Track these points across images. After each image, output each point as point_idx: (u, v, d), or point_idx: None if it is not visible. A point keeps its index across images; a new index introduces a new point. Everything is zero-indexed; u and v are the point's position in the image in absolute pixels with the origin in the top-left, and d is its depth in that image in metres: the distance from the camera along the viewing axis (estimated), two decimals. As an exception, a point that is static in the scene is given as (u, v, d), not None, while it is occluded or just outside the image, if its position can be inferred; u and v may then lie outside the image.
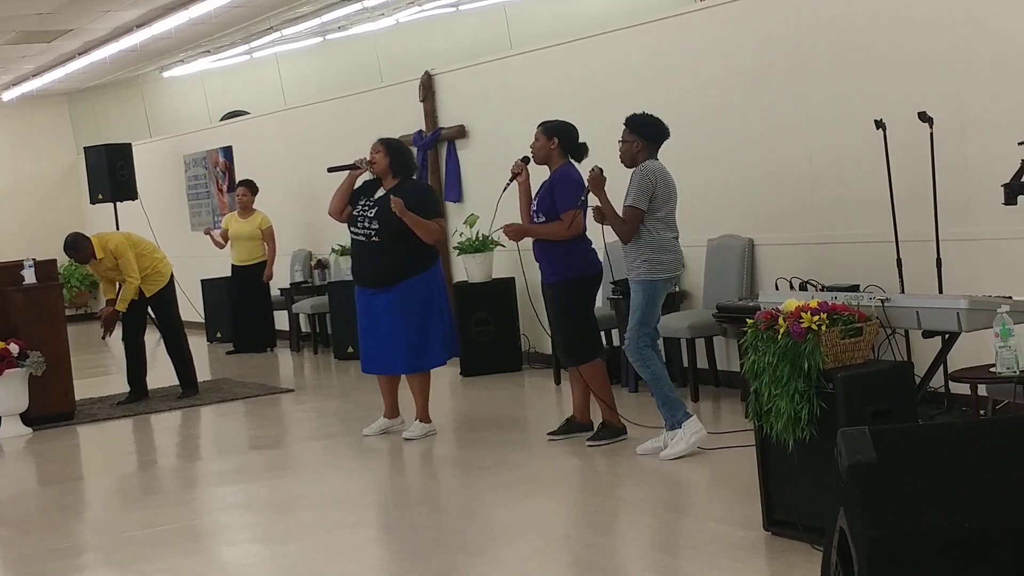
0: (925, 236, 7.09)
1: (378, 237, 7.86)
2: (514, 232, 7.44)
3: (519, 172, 7.50)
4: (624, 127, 6.98)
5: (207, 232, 13.81)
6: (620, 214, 6.87)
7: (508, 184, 7.55)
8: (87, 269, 10.55)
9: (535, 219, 7.40)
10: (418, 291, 7.90)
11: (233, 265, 13.42)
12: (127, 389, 10.64)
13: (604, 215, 6.93)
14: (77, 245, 10.20)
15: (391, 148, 8.02)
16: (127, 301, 10.23)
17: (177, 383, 10.73)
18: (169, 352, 10.70)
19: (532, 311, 10.37)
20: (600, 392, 7.40)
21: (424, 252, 7.93)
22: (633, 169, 6.92)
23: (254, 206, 13.31)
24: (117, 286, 10.38)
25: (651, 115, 7.00)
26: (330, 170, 8.25)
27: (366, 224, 7.90)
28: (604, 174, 6.97)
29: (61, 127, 19.68)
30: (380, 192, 7.97)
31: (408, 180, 8.03)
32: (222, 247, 13.52)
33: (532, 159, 7.51)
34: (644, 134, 6.93)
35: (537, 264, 7.53)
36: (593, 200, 7.05)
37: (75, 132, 19.61)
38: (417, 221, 7.79)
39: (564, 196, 7.23)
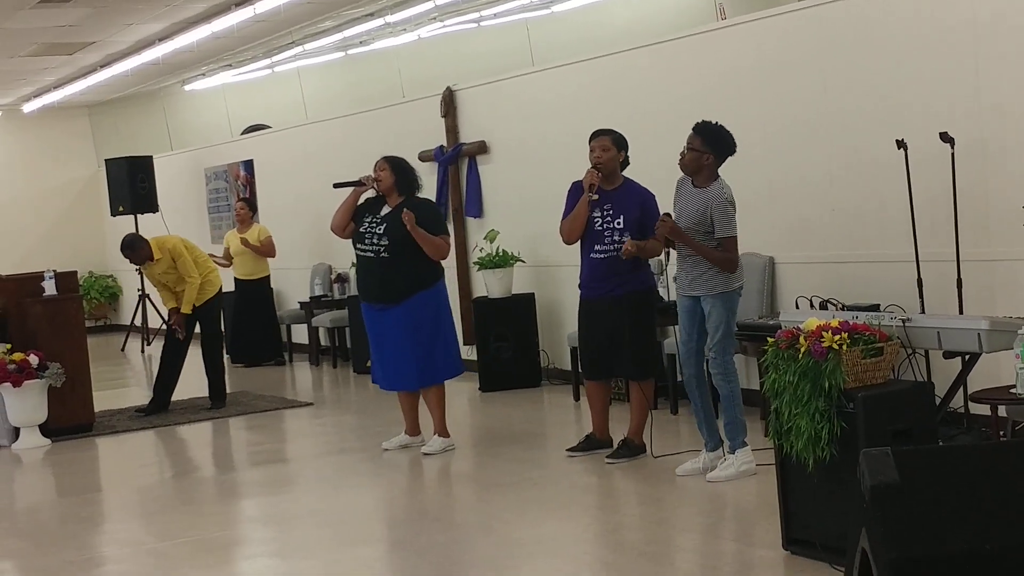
0: (945, 256, 7.07)
1: (387, 253, 7.91)
2: (631, 252, 7.11)
3: (595, 183, 7.24)
4: (696, 135, 6.72)
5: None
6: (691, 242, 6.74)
7: (592, 196, 7.25)
8: (145, 270, 10.56)
9: (618, 236, 7.20)
10: (426, 306, 7.98)
11: (235, 279, 13.48)
12: (147, 399, 10.66)
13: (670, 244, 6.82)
14: (135, 245, 10.31)
15: (396, 166, 8.09)
16: (191, 303, 10.31)
17: (198, 395, 10.74)
18: (205, 362, 10.69)
19: (552, 327, 10.41)
20: (644, 410, 7.39)
21: (431, 268, 8.01)
22: (699, 188, 6.73)
23: (255, 221, 13.37)
24: (173, 295, 10.43)
25: (723, 127, 6.78)
26: (336, 186, 8.33)
27: (375, 240, 7.97)
28: (672, 219, 6.76)
29: (82, 139, 19.75)
30: (386, 209, 8.01)
31: (412, 197, 8.08)
32: (227, 265, 13.54)
33: (599, 168, 7.27)
34: (716, 148, 6.72)
35: (589, 281, 7.39)
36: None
37: (96, 144, 19.68)
38: (426, 238, 7.85)
39: (654, 220, 7.09)
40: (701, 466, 6.90)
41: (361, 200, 8.17)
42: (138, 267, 10.59)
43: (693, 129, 6.77)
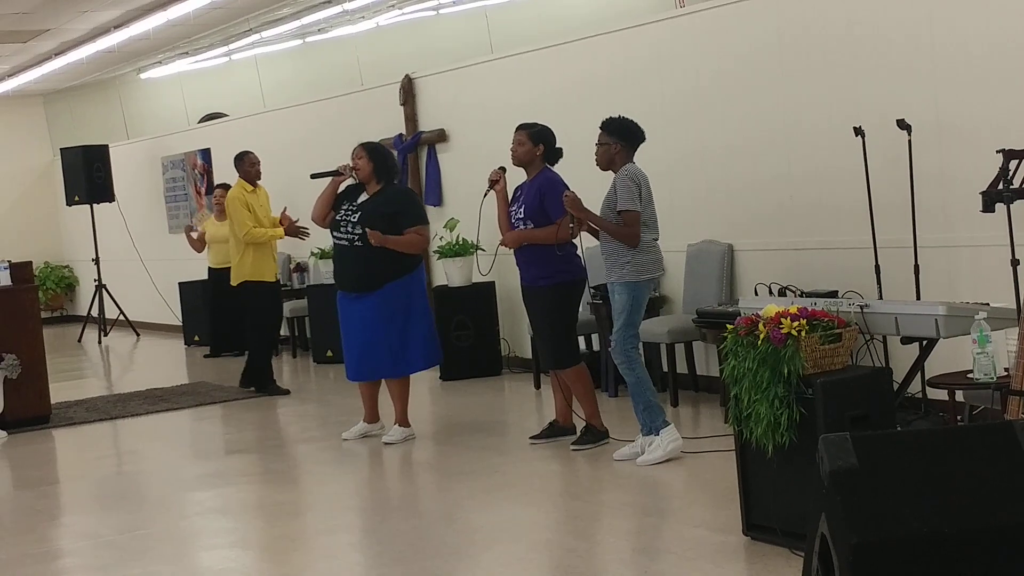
0: (903, 243, 7.12)
1: (361, 242, 7.86)
2: (512, 240, 7.42)
3: (497, 180, 7.53)
4: (601, 130, 7.01)
5: (187, 231, 13.75)
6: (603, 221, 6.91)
7: (487, 192, 7.57)
8: (242, 193, 10.37)
9: (522, 225, 7.41)
10: (399, 295, 7.91)
11: (209, 268, 13.38)
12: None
13: (580, 224, 7.01)
14: (245, 158, 10.38)
15: (374, 153, 8.01)
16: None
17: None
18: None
19: (512, 315, 10.41)
20: (584, 396, 7.42)
21: (406, 256, 7.93)
22: (613, 174, 6.94)
23: None
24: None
25: (627, 118, 7.03)
26: (313, 176, 8.28)
27: (349, 228, 7.91)
28: (576, 194, 7.03)
29: (37, 128, 19.57)
30: (363, 196, 7.96)
31: (391, 185, 8.03)
32: (199, 251, 13.47)
33: (512, 160, 7.52)
34: (622, 136, 6.96)
35: (518, 269, 7.53)
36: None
37: (51, 133, 19.50)
38: (399, 242, 7.82)
39: (556, 202, 7.23)
40: (639, 449, 6.97)
41: (342, 187, 8.12)
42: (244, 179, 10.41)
43: (600, 126, 7.02)
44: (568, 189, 7.16)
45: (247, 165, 10.40)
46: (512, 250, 7.54)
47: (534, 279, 7.44)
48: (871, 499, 3.12)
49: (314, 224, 8.35)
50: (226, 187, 13.41)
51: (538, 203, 7.35)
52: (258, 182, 10.40)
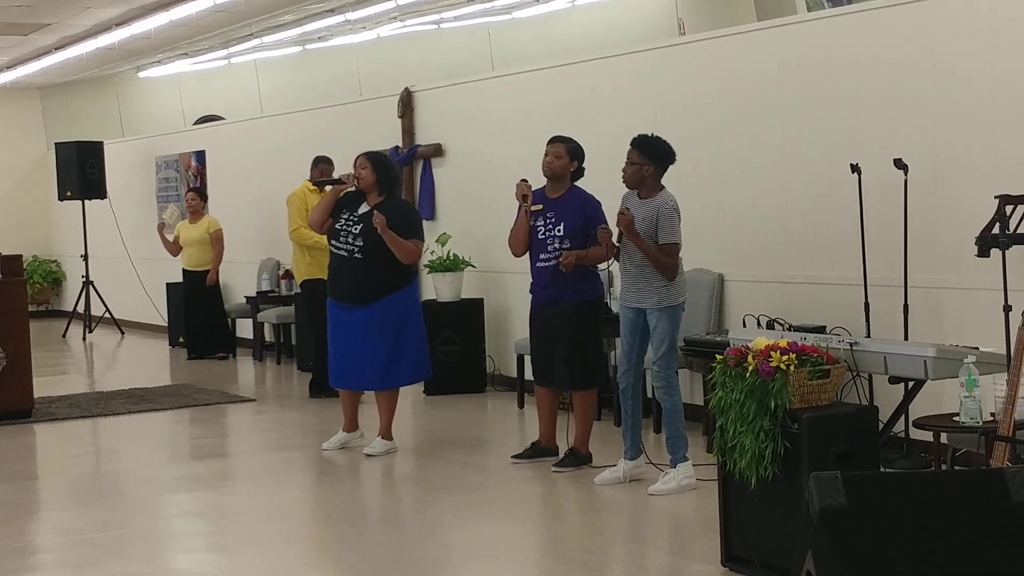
0: (894, 281, 7.14)
1: (361, 254, 7.85)
2: (570, 263, 7.17)
3: (528, 194, 7.35)
4: (633, 148, 6.80)
5: (160, 229, 13.84)
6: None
7: (528, 209, 7.35)
8: (305, 192, 10.20)
9: (558, 244, 7.26)
10: (394, 309, 7.90)
11: (184, 270, 13.42)
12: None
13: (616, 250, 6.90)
14: (320, 164, 10.30)
15: (377, 164, 7.99)
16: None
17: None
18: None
19: (499, 333, 10.41)
20: (585, 420, 7.41)
21: (403, 270, 7.93)
22: (645, 199, 6.79)
23: (205, 212, 13.32)
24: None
25: (660, 137, 6.84)
26: (316, 183, 8.27)
27: (349, 240, 7.89)
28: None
29: (32, 121, 19.51)
30: (364, 207, 7.95)
31: (392, 197, 8.02)
32: (175, 254, 13.50)
33: (545, 171, 7.39)
34: (655, 159, 6.77)
35: (534, 289, 7.47)
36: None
37: (46, 127, 19.45)
38: (396, 240, 7.78)
39: (597, 227, 7.18)
40: (621, 475, 6.95)
41: (341, 194, 8.09)
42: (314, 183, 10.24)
43: (631, 143, 6.86)
44: (627, 211, 6.85)
45: (318, 172, 10.33)
46: (516, 261, 7.47)
47: (558, 297, 7.33)
48: (859, 539, 3.14)
49: (311, 229, 8.34)
50: (197, 190, 13.51)
51: (581, 224, 7.25)
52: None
